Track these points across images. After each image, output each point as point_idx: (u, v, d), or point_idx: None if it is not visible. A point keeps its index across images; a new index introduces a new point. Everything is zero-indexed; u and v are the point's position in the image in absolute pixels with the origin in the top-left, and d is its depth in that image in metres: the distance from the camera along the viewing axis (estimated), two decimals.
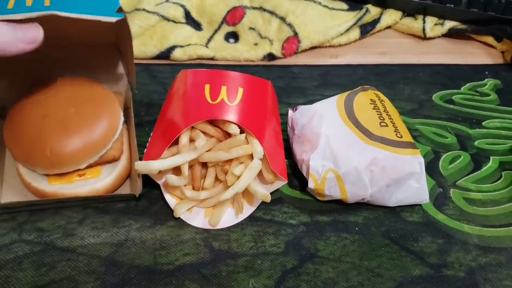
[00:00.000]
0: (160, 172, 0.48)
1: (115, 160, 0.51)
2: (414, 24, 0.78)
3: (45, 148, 0.47)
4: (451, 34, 0.78)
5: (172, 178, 0.46)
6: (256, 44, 0.72)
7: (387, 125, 0.53)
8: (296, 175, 0.55)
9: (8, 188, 0.50)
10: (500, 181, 0.57)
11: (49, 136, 0.47)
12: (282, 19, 0.72)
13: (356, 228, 0.51)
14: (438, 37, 0.78)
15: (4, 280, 0.43)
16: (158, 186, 0.50)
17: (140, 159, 0.49)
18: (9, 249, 0.45)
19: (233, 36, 0.73)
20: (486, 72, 0.73)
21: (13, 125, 0.48)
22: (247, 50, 0.71)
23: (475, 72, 0.73)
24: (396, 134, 0.52)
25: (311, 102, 0.59)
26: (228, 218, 0.50)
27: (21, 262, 0.45)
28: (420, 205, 0.54)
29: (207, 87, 0.50)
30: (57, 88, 0.50)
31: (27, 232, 0.47)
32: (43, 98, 0.49)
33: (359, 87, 0.59)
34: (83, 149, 0.48)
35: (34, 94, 0.49)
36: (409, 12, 0.79)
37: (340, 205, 0.53)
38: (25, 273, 0.44)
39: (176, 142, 0.48)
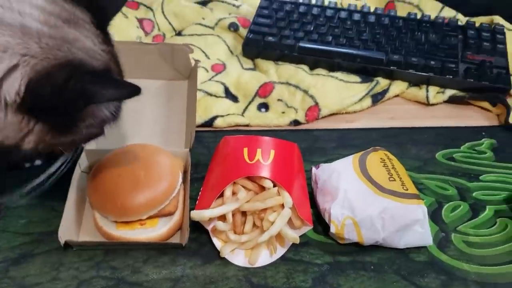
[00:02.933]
0: (209, 219, 0.57)
1: (170, 214, 0.60)
2: (419, 92, 0.82)
3: (117, 200, 0.57)
4: (451, 100, 0.82)
5: (220, 224, 0.56)
6: (283, 112, 0.78)
7: (395, 180, 0.61)
8: (320, 222, 0.62)
9: (84, 230, 0.60)
10: (495, 226, 0.64)
11: (121, 191, 0.57)
12: (305, 91, 0.78)
13: (372, 267, 0.58)
14: (440, 103, 0.82)
15: None
16: (206, 232, 0.59)
17: (191, 210, 0.58)
18: (90, 283, 0.55)
19: (264, 107, 0.79)
20: (483, 133, 0.78)
21: (95, 180, 0.59)
22: (276, 118, 0.77)
23: (473, 133, 0.77)
24: (403, 187, 0.60)
25: (331, 160, 0.66)
26: (264, 258, 0.58)
27: None
28: (425, 247, 0.60)
29: (245, 150, 0.60)
30: (131, 153, 0.60)
31: (103, 269, 0.56)
32: (120, 160, 0.59)
33: (371, 148, 0.66)
34: (146, 204, 0.57)
35: (113, 156, 0.60)
36: (414, 83, 0.83)
37: (357, 247, 0.59)
38: None
39: (221, 195, 0.57)
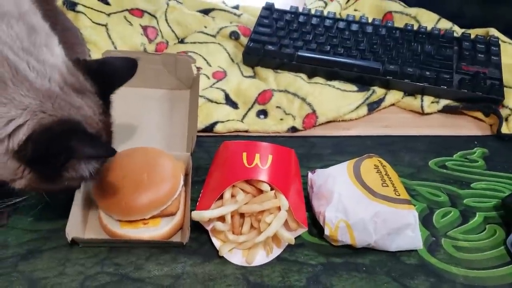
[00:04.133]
0: (209, 220, 0.59)
1: (172, 214, 0.62)
2: (414, 102, 0.84)
3: (121, 201, 0.59)
4: (445, 110, 0.84)
5: (219, 224, 0.59)
6: (281, 119, 0.80)
7: (388, 186, 0.63)
8: (314, 224, 0.64)
9: (90, 228, 0.63)
10: (484, 232, 0.66)
11: (126, 192, 0.59)
12: (303, 99, 0.81)
13: (364, 268, 0.60)
14: (435, 112, 0.84)
15: None
16: (206, 232, 0.61)
17: (191, 211, 0.60)
18: (95, 278, 0.57)
19: (263, 113, 0.81)
20: (476, 142, 0.79)
21: (100, 181, 0.61)
22: (275, 124, 0.79)
23: (466, 142, 0.79)
24: (395, 193, 0.62)
25: (326, 166, 0.68)
26: (261, 257, 0.60)
27: None
28: (416, 250, 0.63)
29: (244, 154, 0.62)
30: (135, 156, 0.63)
31: (107, 266, 0.59)
32: (125, 162, 0.62)
33: (365, 155, 0.69)
34: (149, 204, 0.60)
35: (118, 159, 0.62)
36: (410, 92, 0.85)
37: (350, 249, 0.62)
38: None
39: (221, 197, 0.59)
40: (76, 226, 0.60)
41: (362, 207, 0.61)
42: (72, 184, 0.54)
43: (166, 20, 0.95)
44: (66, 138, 0.48)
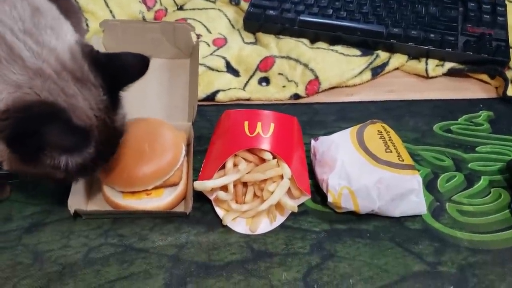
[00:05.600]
0: (211, 189, 0.59)
1: (175, 184, 0.62)
2: (418, 65, 0.83)
3: (123, 172, 0.59)
4: (450, 73, 0.82)
5: (222, 194, 0.58)
6: (284, 86, 0.79)
7: (391, 151, 0.62)
8: (318, 192, 0.64)
9: (92, 200, 0.63)
10: (489, 196, 0.66)
11: (127, 163, 0.59)
12: (305, 65, 0.79)
13: (368, 234, 0.61)
14: (439, 76, 0.83)
15: (96, 273, 0.56)
16: (209, 201, 0.61)
17: (194, 181, 0.60)
18: (99, 250, 0.58)
19: (265, 81, 0.80)
20: (481, 105, 0.79)
21: None
22: (277, 92, 0.78)
23: (471, 105, 0.79)
24: (399, 158, 0.62)
25: (330, 133, 0.67)
26: (264, 225, 0.60)
27: (108, 259, 0.57)
28: (420, 215, 0.63)
29: (246, 123, 0.62)
30: (136, 126, 0.62)
31: (111, 237, 0.59)
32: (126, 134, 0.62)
33: (368, 121, 0.68)
34: (151, 175, 0.60)
35: None
36: (414, 55, 0.84)
37: (354, 216, 0.62)
38: (111, 268, 0.56)
39: (223, 167, 0.59)
40: (79, 198, 0.60)
41: (365, 174, 0.60)
42: (55, 174, 0.51)
43: None
44: (40, 121, 0.46)
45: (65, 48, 0.50)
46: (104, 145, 0.52)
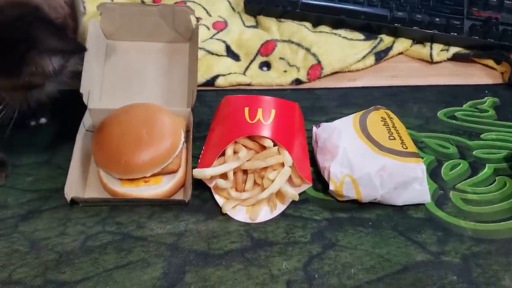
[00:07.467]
0: (211, 177, 0.58)
1: (174, 172, 0.61)
2: (423, 50, 0.82)
3: (121, 158, 0.58)
4: (455, 58, 0.81)
5: (221, 182, 0.57)
6: (285, 71, 0.78)
7: (395, 139, 0.61)
8: (319, 180, 0.63)
9: (90, 187, 0.62)
10: (493, 184, 0.65)
11: (125, 149, 0.58)
12: (307, 49, 0.78)
13: (370, 223, 0.60)
14: (444, 61, 0.82)
15: (94, 261, 0.55)
16: (208, 189, 0.60)
17: (193, 168, 0.59)
18: (96, 238, 0.57)
19: (266, 65, 0.79)
20: (486, 91, 0.78)
21: (99, 138, 0.60)
22: (278, 77, 0.77)
23: (476, 91, 0.78)
24: (402, 146, 0.61)
25: (332, 119, 0.66)
26: (264, 214, 0.59)
27: (105, 247, 0.56)
28: (423, 204, 0.62)
29: (246, 109, 0.61)
30: (134, 112, 0.61)
31: (109, 225, 0.58)
32: (123, 119, 0.60)
33: (372, 107, 0.67)
34: (150, 162, 0.58)
35: (117, 115, 0.61)
36: (418, 40, 0.83)
37: (356, 204, 0.61)
38: (109, 256, 0.55)
39: (223, 154, 0.58)
40: (76, 185, 0.59)
41: (368, 161, 0.59)
42: (34, 81, 0.48)
43: None
44: (25, 24, 0.42)
45: None
46: (76, 33, 0.49)
